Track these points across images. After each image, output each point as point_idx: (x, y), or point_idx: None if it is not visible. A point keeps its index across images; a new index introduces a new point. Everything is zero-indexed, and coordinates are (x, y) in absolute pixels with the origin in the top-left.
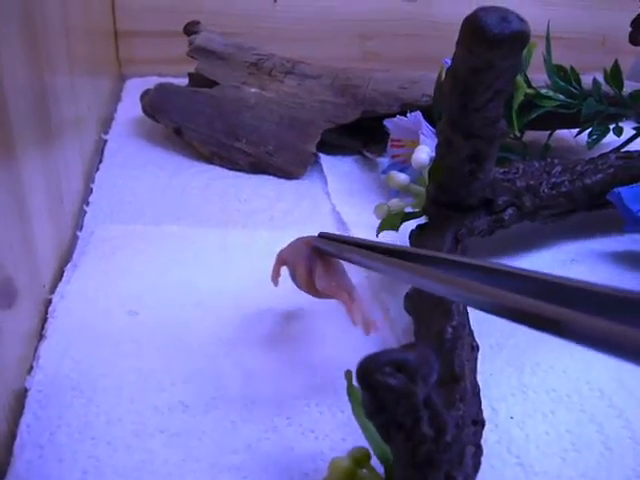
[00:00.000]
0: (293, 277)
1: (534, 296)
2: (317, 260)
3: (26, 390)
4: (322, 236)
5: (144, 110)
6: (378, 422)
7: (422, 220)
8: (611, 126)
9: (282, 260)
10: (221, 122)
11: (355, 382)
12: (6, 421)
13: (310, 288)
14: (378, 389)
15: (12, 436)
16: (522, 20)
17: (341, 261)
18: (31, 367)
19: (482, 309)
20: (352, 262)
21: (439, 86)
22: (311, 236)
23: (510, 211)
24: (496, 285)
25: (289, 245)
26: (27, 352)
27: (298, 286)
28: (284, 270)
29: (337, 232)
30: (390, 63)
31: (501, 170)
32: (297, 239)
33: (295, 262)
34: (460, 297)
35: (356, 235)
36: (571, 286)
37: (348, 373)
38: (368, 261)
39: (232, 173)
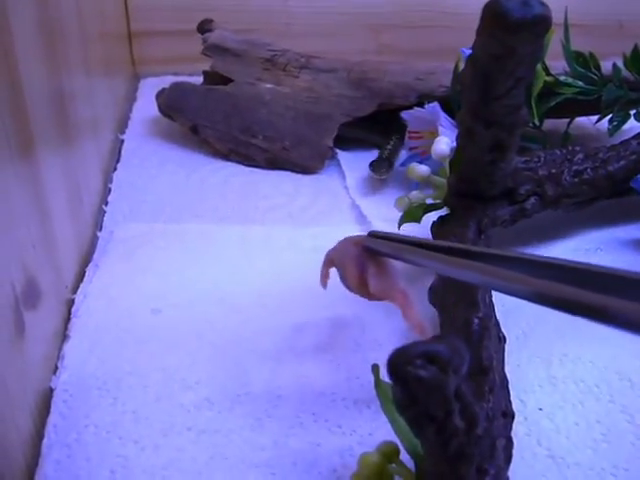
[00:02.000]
0: (343, 279)
1: (576, 285)
2: (368, 260)
3: (52, 390)
4: (373, 235)
5: (160, 109)
6: (409, 415)
7: (444, 211)
8: (632, 112)
9: (330, 261)
10: (237, 119)
11: (383, 376)
12: (32, 421)
13: (362, 290)
14: (409, 382)
15: (39, 436)
16: (543, 4)
17: (392, 261)
18: (56, 367)
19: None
20: (409, 262)
21: (458, 76)
22: (360, 235)
23: (532, 200)
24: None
25: (336, 245)
26: (52, 352)
27: (348, 288)
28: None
29: (358, 226)
30: (403, 55)
31: (522, 159)
32: (345, 239)
33: (345, 263)
34: (536, 297)
35: (377, 228)
36: (605, 274)
37: (375, 367)
38: (427, 261)
39: (249, 170)
